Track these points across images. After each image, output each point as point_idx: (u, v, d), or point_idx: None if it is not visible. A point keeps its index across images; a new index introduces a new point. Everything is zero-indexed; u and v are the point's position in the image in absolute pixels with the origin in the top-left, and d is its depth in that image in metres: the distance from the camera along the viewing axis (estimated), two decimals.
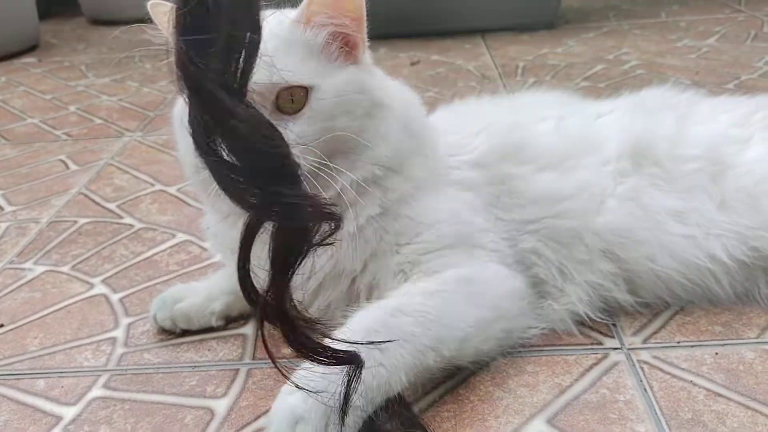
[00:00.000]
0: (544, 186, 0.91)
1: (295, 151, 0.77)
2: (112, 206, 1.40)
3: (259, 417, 0.82)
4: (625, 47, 2.23)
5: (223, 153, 0.59)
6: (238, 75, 0.58)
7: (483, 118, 0.99)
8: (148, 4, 0.80)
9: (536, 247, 0.91)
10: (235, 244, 0.65)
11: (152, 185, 1.48)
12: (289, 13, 0.82)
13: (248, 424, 0.81)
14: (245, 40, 0.58)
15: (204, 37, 0.56)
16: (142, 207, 1.38)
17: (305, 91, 0.80)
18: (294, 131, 0.79)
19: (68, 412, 0.85)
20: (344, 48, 0.83)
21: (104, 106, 2.05)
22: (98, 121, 1.93)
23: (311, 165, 0.79)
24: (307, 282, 0.90)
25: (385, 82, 0.90)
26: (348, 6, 0.81)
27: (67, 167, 1.62)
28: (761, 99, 1.05)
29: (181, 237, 1.25)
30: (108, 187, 1.49)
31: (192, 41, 0.56)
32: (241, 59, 0.58)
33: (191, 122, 0.60)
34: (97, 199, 1.43)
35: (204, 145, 0.59)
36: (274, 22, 0.78)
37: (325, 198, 0.68)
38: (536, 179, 0.92)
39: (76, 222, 1.34)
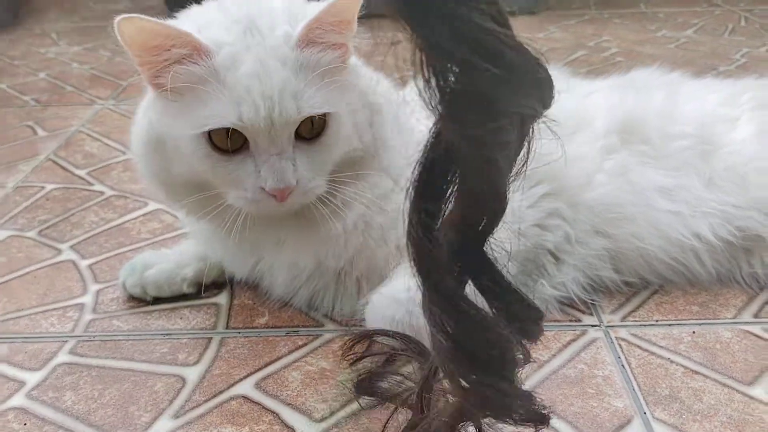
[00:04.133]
0: (537, 149, 0.89)
1: (314, 184, 0.77)
2: (81, 173, 1.36)
3: (232, 385, 0.80)
4: (605, 35, 2.23)
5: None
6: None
7: None
8: (117, 20, 0.70)
9: (546, 207, 0.89)
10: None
11: (124, 153, 1.44)
12: (277, 31, 0.75)
13: (221, 392, 0.79)
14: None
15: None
16: (113, 174, 1.34)
17: (325, 115, 0.76)
18: (316, 160, 0.77)
19: (32, 378, 0.82)
20: (341, 58, 0.78)
21: (75, 74, 1.99)
22: (69, 88, 1.88)
23: (324, 193, 0.79)
24: (292, 282, 0.88)
25: (369, 79, 0.86)
26: (348, 15, 0.75)
27: (35, 133, 1.57)
28: (747, 81, 1.05)
29: (153, 206, 1.21)
30: (78, 154, 1.45)
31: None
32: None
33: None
34: (67, 166, 1.39)
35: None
36: (277, 47, 0.74)
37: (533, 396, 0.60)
38: None
39: (43, 188, 1.30)
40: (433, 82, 0.45)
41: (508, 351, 0.56)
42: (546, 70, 0.49)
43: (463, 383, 0.56)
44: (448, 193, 0.50)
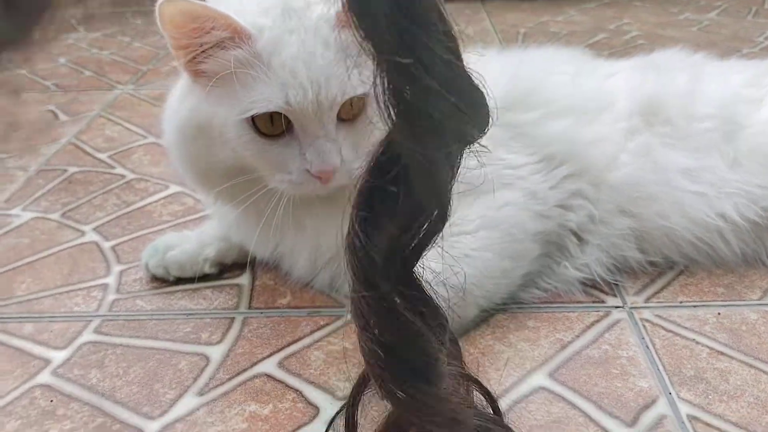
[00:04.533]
0: (558, 131, 0.89)
1: (357, 164, 0.75)
2: (103, 156, 1.36)
3: (255, 364, 0.80)
4: (626, 18, 2.21)
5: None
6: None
7: (487, 70, 0.96)
8: (159, 3, 0.70)
9: (569, 188, 0.89)
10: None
11: (145, 137, 1.44)
12: (313, 12, 0.75)
13: (244, 370, 0.79)
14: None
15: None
16: (134, 158, 1.35)
17: (365, 95, 0.75)
18: (357, 140, 0.77)
19: (58, 356, 0.83)
20: None
21: (94, 59, 2.00)
22: (89, 73, 1.89)
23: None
24: (313, 264, 0.89)
25: None
26: None
27: (57, 117, 1.58)
28: None
29: (174, 188, 1.22)
30: (99, 137, 1.46)
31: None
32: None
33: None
34: (88, 149, 1.40)
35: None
36: (318, 28, 0.73)
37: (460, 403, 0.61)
38: (549, 124, 0.89)
39: (66, 171, 1.31)
40: (390, 98, 0.47)
41: (440, 361, 0.56)
42: (486, 99, 0.51)
43: (399, 393, 0.55)
44: (393, 201, 0.51)
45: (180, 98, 0.81)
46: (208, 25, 0.71)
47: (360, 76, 0.72)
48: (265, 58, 0.72)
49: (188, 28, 0.72)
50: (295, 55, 0.72)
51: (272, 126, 0.74)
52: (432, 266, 0.80)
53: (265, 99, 0.72)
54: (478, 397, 0.67)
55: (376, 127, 0.76)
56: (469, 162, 0.87)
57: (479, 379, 0.68)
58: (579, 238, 0.90)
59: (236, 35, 0.72)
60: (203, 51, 0.73)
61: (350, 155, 0.76)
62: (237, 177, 0.80)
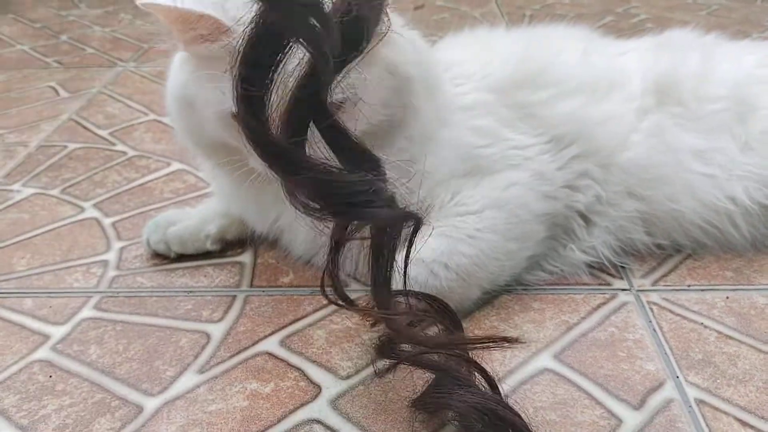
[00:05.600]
0: (568, 111, 0.87)
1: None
2: (104, 133, 1.35)
3: (257, 342, 0.79)
4: (634, 1, 2.18)
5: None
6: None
7: (495, 49, 0.94)
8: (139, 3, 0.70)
9: (576, 169, 0.88)
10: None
11: (146, 114, 1.43)
12: None
13: (246, 348, 0.78)
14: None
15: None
16: (136, 135, 1.34)
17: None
18: None
19: (57, 332, 0.82)
20: None
21: (96, 37, 1.98)
22: (90, 50, 1.86)
23: None
24: (313, 241, 0.87)
25: (402, 47, 0.81)
26: None
27: (58, 94, 1.56)
28: None
29: (176, 166, 1.20)
30: (100, 114, 1.44)
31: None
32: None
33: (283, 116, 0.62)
34: (89, 126, 1.38)
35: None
36: None
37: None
38: (559, 104, 0.88)
39: (66, 147, 1.29)
40: None
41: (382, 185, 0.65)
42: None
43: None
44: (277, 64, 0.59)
45: (177, 69, 0.80)
46: (191, 24, 0.70)
47: (337, 81, 0.70)
48: None
49: (176, 24, 0.71)
50: None
51: None
52: (434, 245, 0.79)
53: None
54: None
55: (354, 125, 0.76)
56: (475, 141, 0.86)
57: (481, 364, 0.68)
58: (586, 220, 0.89)
59: (216, 30, 0.70)
60: (194, 40, 0.72)
61: (325, 151, 0.74)
62: (223, 152, 0.80)
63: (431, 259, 0.79)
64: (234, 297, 0.87)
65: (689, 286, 0.87)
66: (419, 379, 0.71)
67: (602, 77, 0.92)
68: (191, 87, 0.76)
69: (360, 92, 0.72)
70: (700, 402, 0.69)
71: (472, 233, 0.81)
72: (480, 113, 0.87)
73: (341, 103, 0.72)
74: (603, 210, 0.88)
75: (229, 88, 0.63)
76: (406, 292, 0.79)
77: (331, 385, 0.73)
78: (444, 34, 1.03)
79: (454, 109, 0.87)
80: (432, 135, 0.84)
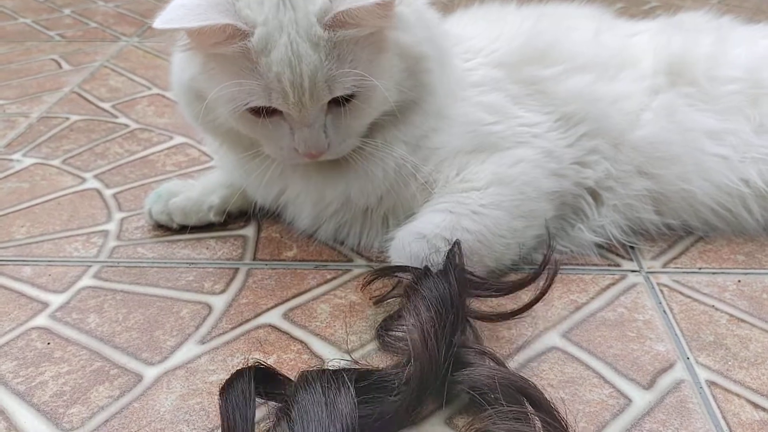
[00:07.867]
0: (579, 88, 0.86)
1: (345, 144, 0.78)
2: (106, 106, 1.33)
3: (259, 314, 0.77)
4: None
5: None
6: None
7: (506, 24, 0.93)
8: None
9: (586, 145, 0.86)
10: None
11: (149, 88, 1.41)
12: (313, 6, 0.71)
13: (248, 320, 0.77)
14: None
15: None
16: (138, 109, 1.32)
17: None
18: (348, 123, 0.77)
19: (56, 300, 0.81)
20: (381, 29, 0.76)
21: (100, 11, 1.96)
22: (93, 24, 1.84)
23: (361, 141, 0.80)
24: (318, 215, 0.87)
25: (417, 26, 0.81)
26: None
27: (60, 66, 1.54)
28: None
29: (179, 139, 1.19)
30: (102, 87, 1.42)
31: None
32: None
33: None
34: (91, 98, 1.36)
35: None
36: (309, 27, 0.71)
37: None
38: (569, 81, 0.86)
39: (68, 119, 1.27)
40: None
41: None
42: None
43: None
44: None
45: (184, 60, 0.78)
46: (206, 32, 0.69)
47: (355, 73, 0.70)
48: (254, 56, 0.70)
49: (195, 39, 0.71)
50: (282, 58, 0.69)
51: (263, 111, 0.73)
52: (437, 220, 0.77)
53: (249, 95, 0.71)
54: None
55: (369, 109, 0.75)
56: (484, 117, 0.84)
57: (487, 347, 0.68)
58: (595, 198, 0.87)
59: (233, 35, 0.69)
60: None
61: (338, 137, 0.76)
62: (234, 137, 0.81)
63: (433, 234, 0.77)
64: (236, 269, 0.86)
65: (700, 268, 0.85)
66: None
67: (613, 56, 0.91)
68: (201, 81, 0.75)
69: (376, 77, 0.71)
70: (711, 383, 0.68)
71: (476, 209, 0.80)
72: (489, 89, 0.85)
73: (355, 92, 0.72)
74: (613, 186, 0.86)
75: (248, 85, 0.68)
76: (404, 268, 0.77)
77: (334, 358, 0.71)
78: (454, 10, 1.01)
79: (464, 85, 0.85)
80: (445, 110, 0.82)
